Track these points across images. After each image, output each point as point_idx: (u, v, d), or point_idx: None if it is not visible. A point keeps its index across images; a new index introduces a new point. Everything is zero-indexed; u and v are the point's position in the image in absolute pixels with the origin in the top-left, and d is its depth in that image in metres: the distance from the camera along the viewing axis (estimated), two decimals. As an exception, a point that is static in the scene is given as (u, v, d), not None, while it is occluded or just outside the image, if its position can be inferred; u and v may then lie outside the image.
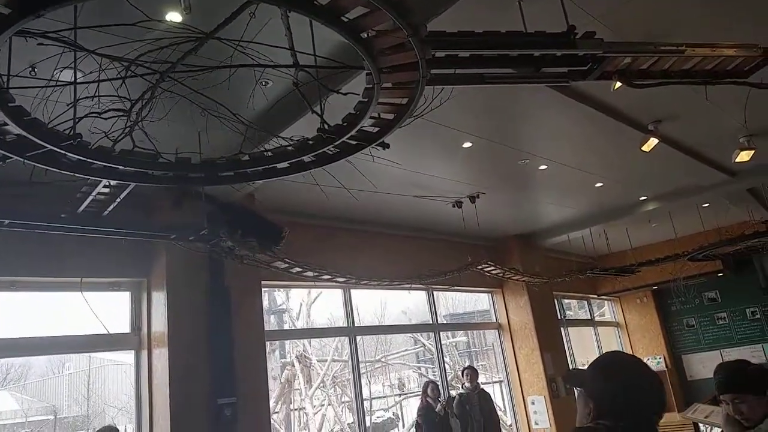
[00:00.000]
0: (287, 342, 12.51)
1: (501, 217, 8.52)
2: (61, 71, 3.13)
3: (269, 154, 3.59)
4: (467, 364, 12.46)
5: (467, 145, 5.73)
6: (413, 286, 7.22)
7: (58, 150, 2.76)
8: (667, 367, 12.74)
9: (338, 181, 4.00)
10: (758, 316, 12.13)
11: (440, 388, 7.42)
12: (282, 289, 11.99)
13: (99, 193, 3.89)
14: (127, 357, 5.60)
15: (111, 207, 3.99)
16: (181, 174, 3.37)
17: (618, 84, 4.50)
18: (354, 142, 3.51)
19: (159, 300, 5.23)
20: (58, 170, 2.97)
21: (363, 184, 5.35)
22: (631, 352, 13.23)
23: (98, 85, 2.80)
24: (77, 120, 2.73)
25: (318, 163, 3.64)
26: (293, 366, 11.74)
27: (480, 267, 7.30)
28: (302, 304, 12.02)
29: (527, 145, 6.07)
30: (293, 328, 11.48)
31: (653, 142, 5.96)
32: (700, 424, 4.65)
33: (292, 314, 12.46)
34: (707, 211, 9.24)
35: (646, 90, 5.29)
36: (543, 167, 6.67)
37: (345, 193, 5.18)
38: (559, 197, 8.11)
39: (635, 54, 3.25)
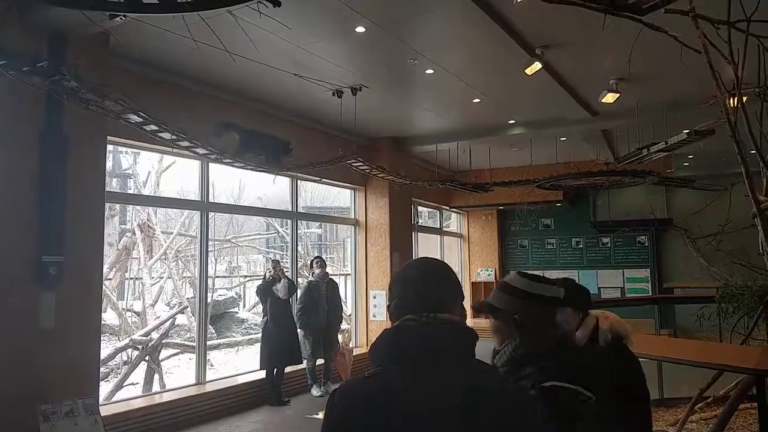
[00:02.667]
0: (129, 208, 11.72)
1: (378, 116, 8.39)
2: None
3: (135, -18, 3.02)
4: (316, 255, 12.72)
5: (360, 29, 5.38)
6: (279, 171, 6.92)
7: None
8: (496, 279, 14.06)
9: (215, 33, 3.53)
10: (581, 246, 13.71)
11: (279, 264, 7.46)
12: (130, 152, 11.03)
13: None
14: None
15: None
16: (15, -20, 2.71)
17: (524, -5, 4.43)
18: (241, -9, 3.06)
19: (-23, 136, 4.44)
20: None
21: (242, 47, 4.83)
22: (468, 262, 14.38)
23: None
24: None
25: (194, 6, 3.14)
26: (134, 234, 11.09)
27: (349, 161, 7.19)
28: (151, 171, 11.21)
29: (420, 45, 5.86)
30: (139, 194, 10.71)
31: (537, 66, 6.07)
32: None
33: (139, 180, 11.61)
34: (563, 145, 9.91)
35: (541, 12, 5.29)
36: (430, 71, 6.56)
37: (218, 55, 4.66)
38: (437, 106, 8.13)
39: (552, -37, 3.12)
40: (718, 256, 5.88)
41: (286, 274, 7.55)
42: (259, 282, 7.49)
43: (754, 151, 3.56)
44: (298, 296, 7.61)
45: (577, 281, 2.74)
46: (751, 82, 3.70)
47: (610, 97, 6.92)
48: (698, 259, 6.95)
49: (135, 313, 10.95)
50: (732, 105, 3.60)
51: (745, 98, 3.65)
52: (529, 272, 1.94)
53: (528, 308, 1.83)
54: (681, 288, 11.29)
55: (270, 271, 7.24)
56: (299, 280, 8.28)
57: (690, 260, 7.76)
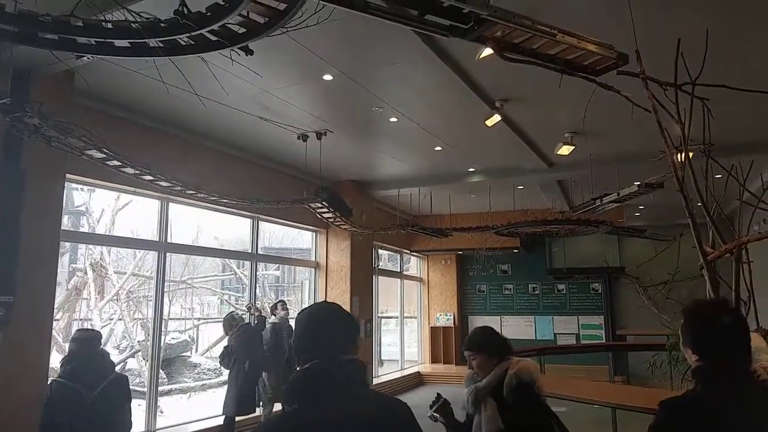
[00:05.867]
0: (81, 247, 11.36)
1: (342, 160, 8.50)
2: None
3: (109, 25, 3.05)
4: (276, 296, 12.53)
5: (328, 78, 5.51)
6: (242, 212, 6.88)
7: None
8: (454, 324, 14.10)
9: (185, 78, 3.56)
10: (537, 291, 13.94)
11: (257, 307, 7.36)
12: (85, 188, 10.78)
13: None
14: None
15: None
16: (-14, 19, 2.70)
17: (485, 53, 4.63)
18: (214, 38, 3.13)
19: (-73, 170, 4.29)
20: None
21: (209, 89, 4.87)
22: (427, 307, 14.38)
23: None
24: None
25: (166, 52, 3.18)
26: (85, 273, 10.72)
27: (314, 205, 7.21)
28: (105, 209, 10.94)
29: (386, 94, 6.04)
30: (92, 232, 10.40)
31: (496, 118, 6.31)
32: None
33: (93, 217, 11.31)
34: (520, 194, 10.21)
35: (502, 67, 5.55)
36: (394, 119, 6.72)
37: (185, 97, 4.68)
38: (400, 152, 8.30)
39: (514, 25, 3.29)
40: (669, 304, 6.09)
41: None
42: (243, 324, 7.02)
43: (700, 204, 3.76)
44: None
45: (494, 330, 2.96)
46: (696, 139, 3.94)
47: (565, 150, 7.21)
48: (649, 307, 7.17)
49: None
50: (679, 160, 3.82)
51: (691, 154, 3.88)
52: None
53: None
54: (633, 335, 11.56)
55: (256, 313, 7.14)
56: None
57: (642, 308, 7.99)
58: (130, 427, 3.64)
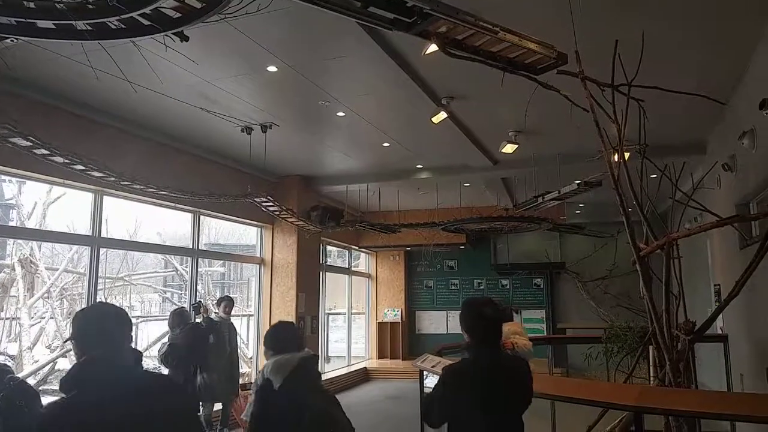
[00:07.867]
0: (10, 242, 10.76)
1: (288, 155, 8.34)
2: None
3: (31, 5, 2.85)
4: (219, 294, 12.24)
5: (272, 69, 5.37)
6: (182, 206, 6.64)
7: None
8: (402, 319, 14.16)
9: (115, 63, 3.38)
10: (483, 287, 14.17)
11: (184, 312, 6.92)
12: (15, 181, 10.23)
13: None
14: None
15: None
16: None
17: (431, 49, 4.62)
18: (146, 23, 2.97)
19: None
20: None
21: (146, 78, 4.67)
22: (375, 303, 14.41)
23: None
24: None
25: (95, 35, 3.01)
26: (13, 270, 10.16)
27: (259, 199, 7.04)
28: (38, 202, 10.39)
29: (332, 88, 5.95)
30: (22, 226, 9.86)
31: (442, 115, 6.33)
32: (424, 372, 5.20)
33: (23, 211, 10.73)
34: (466, 191, 10.32)
35: (447, 64, 5.56)
36: (341, 114, 6.64)
37: (120, 85, 4.47)
38: (348, 148, 8.22)
39: (457, 21, 3.29)
40: (606, 299, 6.30)
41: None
42: (192, 323, 6.70)
43: (636, 202, 3.87)
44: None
45: (283, 327, 3.30)
46: (632, 139, 4.05)
47: (509, 148, 7.31)
48: (588, 302, 7.39)
49: (9, 357, 9.92)
50: (615, 160, 3.92)
51: (627, 154, 3.99)
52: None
53: None
54: (573, 329, 11.91)
55: (205, 314, 6.76)
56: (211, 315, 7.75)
57: (581, 302, 8.23)
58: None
